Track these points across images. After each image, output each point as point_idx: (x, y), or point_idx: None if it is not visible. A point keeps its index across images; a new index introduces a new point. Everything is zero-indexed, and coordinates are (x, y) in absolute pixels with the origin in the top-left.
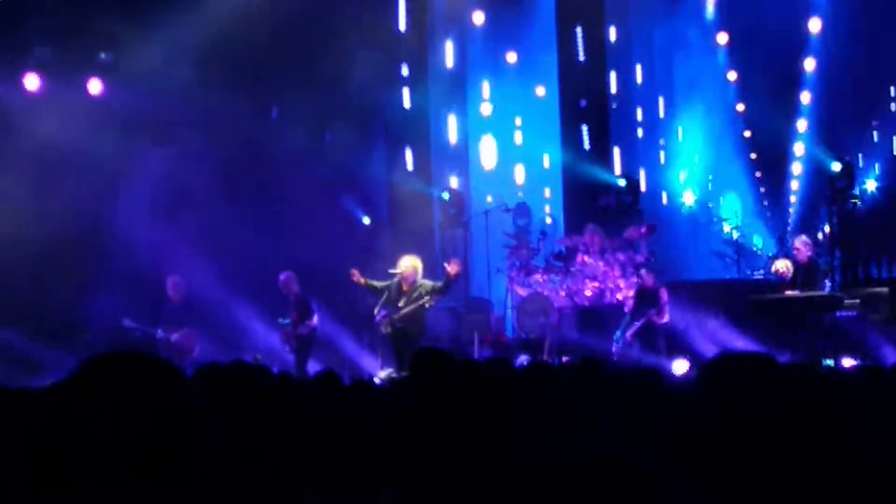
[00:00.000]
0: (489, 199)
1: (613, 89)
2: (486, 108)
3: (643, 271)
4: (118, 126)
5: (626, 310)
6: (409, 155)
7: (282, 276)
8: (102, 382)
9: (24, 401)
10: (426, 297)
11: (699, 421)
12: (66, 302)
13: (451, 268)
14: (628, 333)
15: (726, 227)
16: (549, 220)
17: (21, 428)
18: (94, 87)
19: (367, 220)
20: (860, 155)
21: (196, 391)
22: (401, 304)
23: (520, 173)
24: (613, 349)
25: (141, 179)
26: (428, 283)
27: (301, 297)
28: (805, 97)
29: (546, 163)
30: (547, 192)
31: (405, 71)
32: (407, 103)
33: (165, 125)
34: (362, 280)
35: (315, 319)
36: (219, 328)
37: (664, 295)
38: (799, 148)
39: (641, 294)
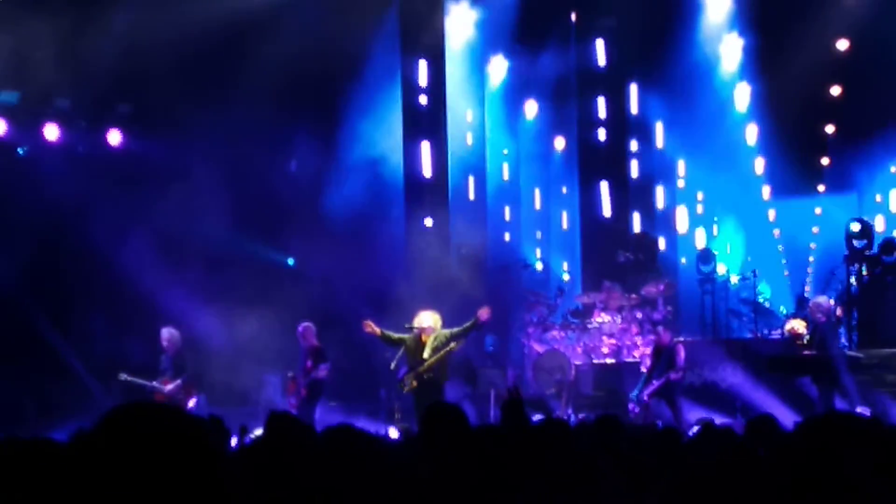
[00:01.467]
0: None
1: (634, 147)
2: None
3: (660, 328)
4: (136, 176)
5: (643, 368)
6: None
7: (300, 327)
8: (130, 431)
9: (50, 451)
10: (452, 343)
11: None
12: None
13: (483, 312)
14: (645, 393)
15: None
16: (566, 277)
17: (49, 477)
18: (114, 137)
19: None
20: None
21: (215, 439)
22: (425, 355)
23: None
24: (630, 407)
25: (156, 230)
26: (446, 331)
27: (317, 347)
28: (826, 159)
29: (564, 221)
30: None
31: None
32: (428, 170)
33: (184, 176)
34: (377, 330)
35: (328, 367)
36: (227, 380)
37: (681, 352)
38: (818, 208)
39: (658, 352)
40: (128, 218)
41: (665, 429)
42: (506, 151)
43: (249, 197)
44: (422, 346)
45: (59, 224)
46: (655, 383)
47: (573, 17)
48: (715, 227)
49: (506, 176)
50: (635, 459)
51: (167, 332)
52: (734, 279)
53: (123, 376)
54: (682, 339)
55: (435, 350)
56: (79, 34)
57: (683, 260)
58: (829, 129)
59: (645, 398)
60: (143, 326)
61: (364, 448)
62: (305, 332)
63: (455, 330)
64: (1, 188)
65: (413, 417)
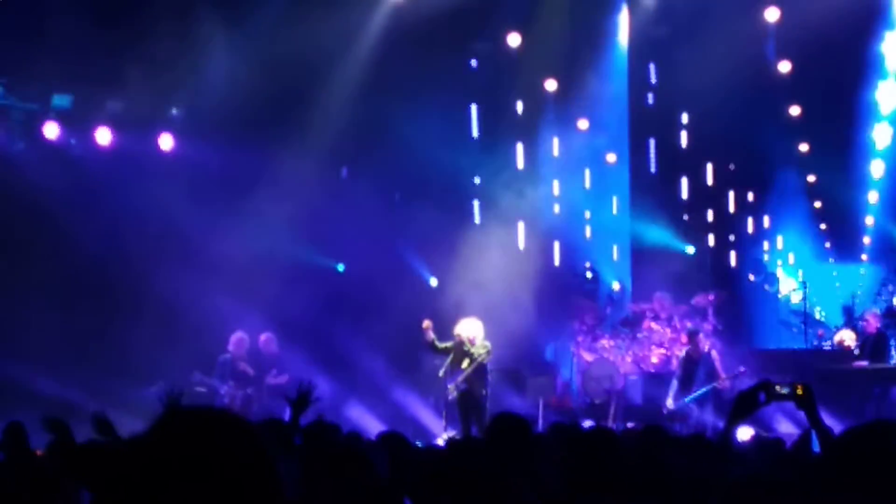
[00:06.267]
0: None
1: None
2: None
3: (700, 336)
4: (187, 181)
5: (675, 371)
6: (476, 215)
7: (263, 336)
8: (182, 436)
9: (107, 453)
10: (483, 354)
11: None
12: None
13: None
14: (689, 400)
15: (794, 298)
16: (616, 286)
17: (107, 479)
18: (166, 142)
19: (434, 282)
20: None
21: (270, 446)
22: (464, 365)
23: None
24: (665, 412)
25: (206, 235)
26: (487, 343)
27: (278, 357)
28: (876, 169)
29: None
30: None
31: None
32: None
33: (234, 181)
34: (431, 335)
35: (285, 377)
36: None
37: (718, 359)
38: (869, 219)
39: (691, 359)
40: (176, 222)
41: (712, 439)
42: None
43: (299, 203)
44: (462, 354)
45: (110, 227)
46: (702, 390)
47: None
48: (780, 240)
49: (556, 188)
50: (682, 470)
51: (236, 337)
52: (785, 290)
53: (197, 376)
54: (710, 347)
55: (472, 360)
56: (132, 38)
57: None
58: (880, 133)
59: (692, 406)
60: (187, 332)
61: (411, 454)
62: (268, 342)
63: (488, 346)
64: (54, 192)
65: (458, 425)
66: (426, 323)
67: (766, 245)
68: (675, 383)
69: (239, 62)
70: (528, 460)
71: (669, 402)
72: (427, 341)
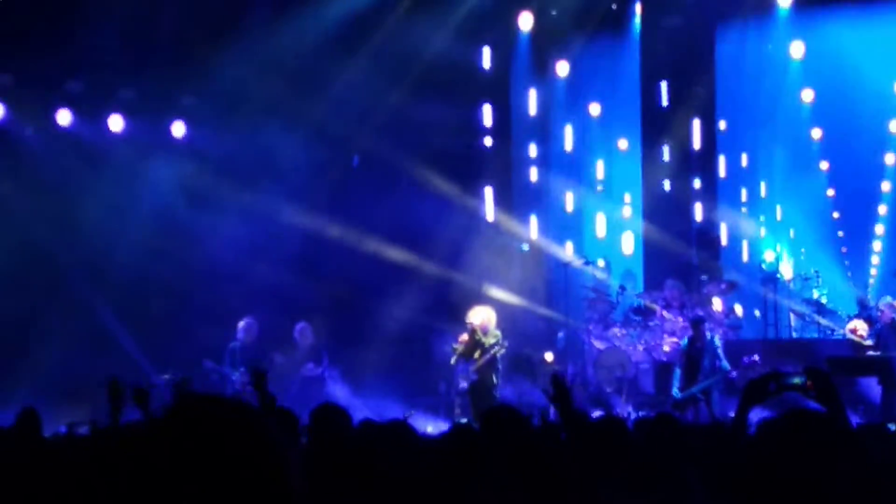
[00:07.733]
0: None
1: (696, 145)
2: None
3: (705, 324)
4: (200, 169)
5: (679, 360)
6: (489, 201)
7: (298, 325)
8: (193, 423)
9: (118, 438)
10: (497, 347)
11: (767, 478)
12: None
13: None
14: (697, 389)
15: (815, 293)
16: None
17: (115, 465)
18: (178, 129)
19: (445, 272)
20: None
21: (280, 435)
22: (475, 355)
23: (601, 225)
24: (669, 402)
25: (220, 223)
26: (498, 332)
27: (315, 346)
28: (890, 158)
29: (626, 215)
30: (627, 248)
31: (487, 121)
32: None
33: (246, 169)
34: (459, 350)
35: (322, 368)
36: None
37: (720, 344)
38: (882, 208)
39: (695, 347)
40: (187, 209)
41: (725, 425)
42: (568, 149)
43: (311, 192)
44: (475, 345)
45: (122, 214)
46: (705, 381)
47: (637, 16)
48: (779, 210)
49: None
50: (695, 458)
51: (246, 323)
52: (786, 270)
53: (207, 364)
54: (713, 335)
55: (484, 351)
56: (145, 25)
57: (745, 256)
58: (894, 126)
59: (700, 395)
60: (197, 319)
61: (413, 443)
62: (304, 331)
63: (499, 335)
64: (66, 178)
65: (469, 414)
66: (458, 343)
67: (778, 213)
68: (678, 373)
69: (250, 50)
70: (522, 453)
71: (675, 392)
72: (451, 353)
